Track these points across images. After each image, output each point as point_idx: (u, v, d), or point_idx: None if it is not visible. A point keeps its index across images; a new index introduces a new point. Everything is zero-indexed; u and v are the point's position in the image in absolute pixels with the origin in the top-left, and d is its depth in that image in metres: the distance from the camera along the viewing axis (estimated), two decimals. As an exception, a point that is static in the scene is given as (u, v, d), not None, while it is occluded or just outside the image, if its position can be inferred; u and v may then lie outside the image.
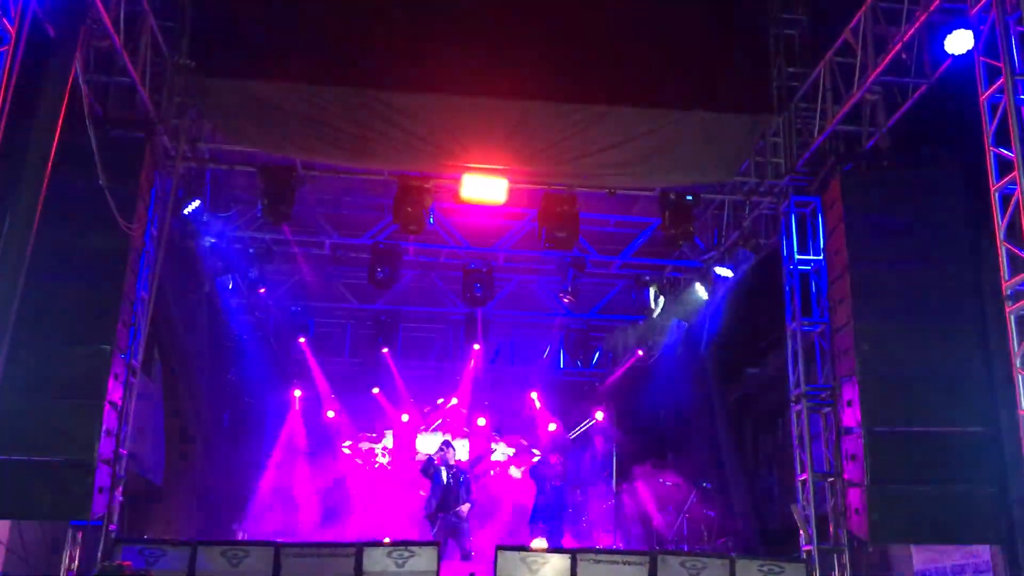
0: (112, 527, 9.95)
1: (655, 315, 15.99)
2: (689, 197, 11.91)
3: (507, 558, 10.42)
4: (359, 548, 10.35)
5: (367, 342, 18.17)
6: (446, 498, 14.31)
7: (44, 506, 9.15)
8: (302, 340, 17.31)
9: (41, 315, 8.91)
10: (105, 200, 8.88)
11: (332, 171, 11.73)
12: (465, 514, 13.61)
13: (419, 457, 18.38)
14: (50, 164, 6.69)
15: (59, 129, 6.92)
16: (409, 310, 17.19)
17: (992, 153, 7.98)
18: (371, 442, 18.68)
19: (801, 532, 10.86)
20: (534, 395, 19.34)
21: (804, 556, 10.67)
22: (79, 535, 9.74)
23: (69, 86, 7.18)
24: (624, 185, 12.00)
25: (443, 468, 15.33)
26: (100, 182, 8.75)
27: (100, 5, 8.71)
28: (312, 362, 18.73)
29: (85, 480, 9.09)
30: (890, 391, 9.92)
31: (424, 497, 16.10)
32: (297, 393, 18.97)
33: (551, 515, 15.31)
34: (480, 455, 18.96)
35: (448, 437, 17.89)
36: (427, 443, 18.88)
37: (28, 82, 6.84)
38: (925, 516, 9.58)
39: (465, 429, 19.22)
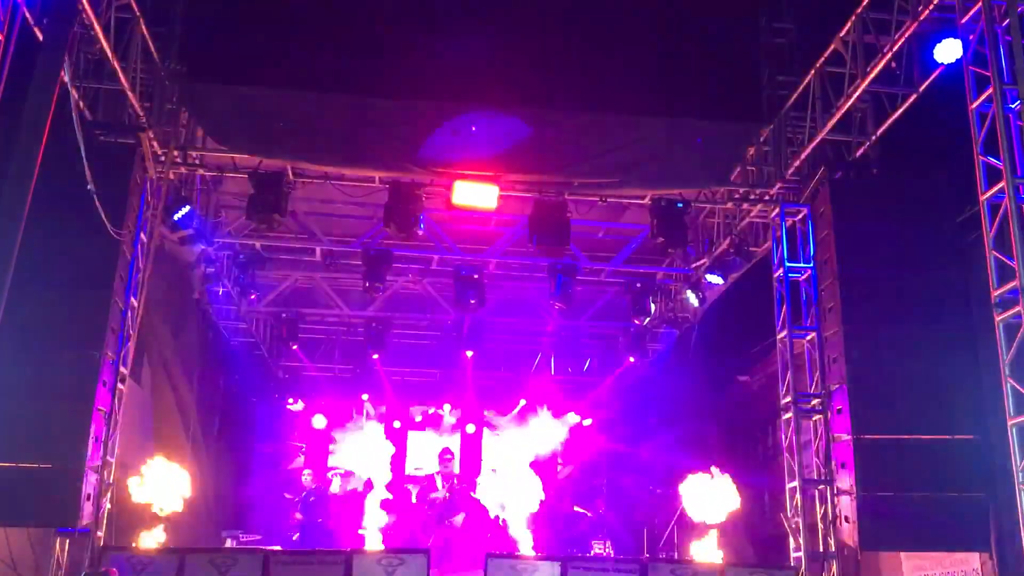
0: (99, 535, 9.89)
1: (646, 322, 16.00)
2: (680, 205, 11.93)
3: (497, 566, 10.41)
4: (348, 556, 10.32)
5: (358, 348, 18.11)
6: (444, 508, 14.33)
7: (31, 513, 9.10)
8: (293, 347, 17.25)
9: (29, 321, 8.82)
10: (94, 206, 8.81)
11: (323, 177, 11.71)
12: (460, 524, 13.62)
13: (413, 470, 18.37)
14: (37, 169, 6.64)
15: (47, 134, 6.86)
16: (400, 316, 17.13)
17: (981, 162, 8.00)
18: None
19: (791, 540, 10.86)
20: (523, 402, 19.36)
21: (794, 564, 10.67)
22: (66, 542, 9.66)
23: (57, 91, 7.14)
24: (615, 192, 11.99)
25: (439, 478, 15.34)
26: (89, 188, 8.69)
27: (90, 10, 8.68)
28: (303, 368, 18.70)
29: (73, 487, 9.05)
30: (880, 399, 9.97)
31: (420, 505, 16.10)
32: (290, 400, 18.94)
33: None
34: (470, 461, 18.93)
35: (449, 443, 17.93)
36: (419, 443, 18.92)
37: (16, 86, 6.79)
38: (915, 523, 9.61)
39: (456, 434, 19.22)
